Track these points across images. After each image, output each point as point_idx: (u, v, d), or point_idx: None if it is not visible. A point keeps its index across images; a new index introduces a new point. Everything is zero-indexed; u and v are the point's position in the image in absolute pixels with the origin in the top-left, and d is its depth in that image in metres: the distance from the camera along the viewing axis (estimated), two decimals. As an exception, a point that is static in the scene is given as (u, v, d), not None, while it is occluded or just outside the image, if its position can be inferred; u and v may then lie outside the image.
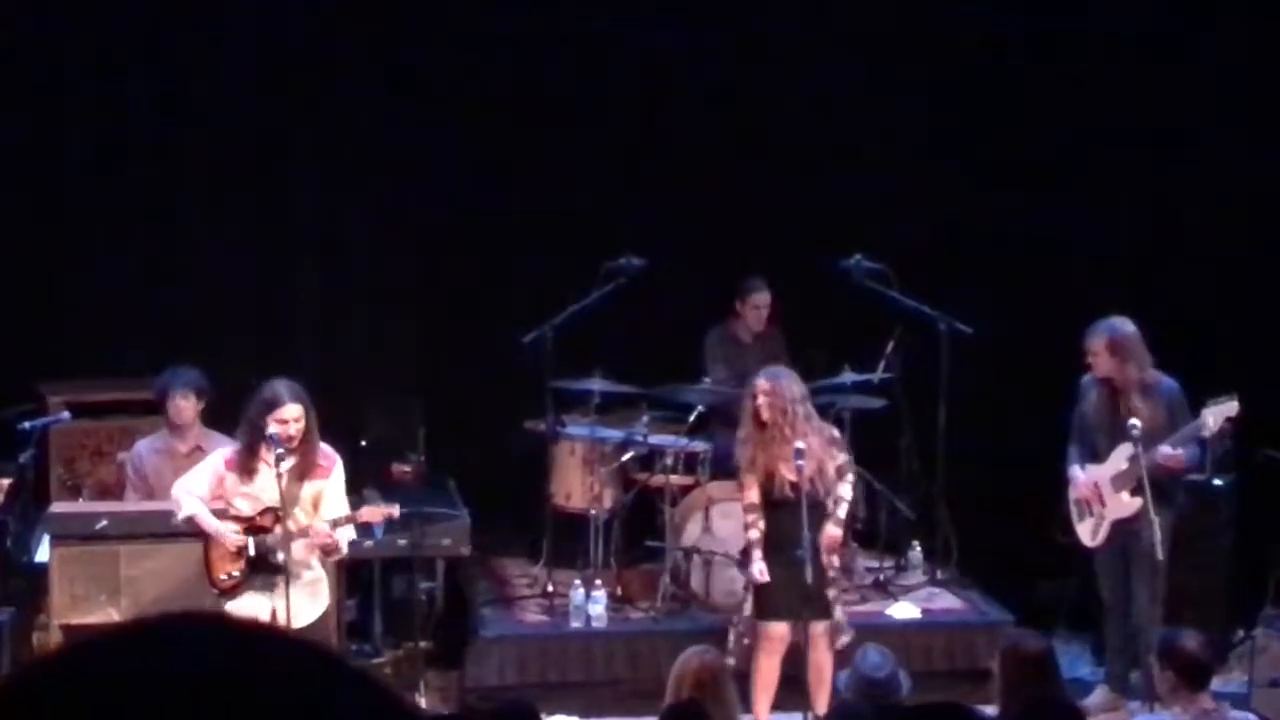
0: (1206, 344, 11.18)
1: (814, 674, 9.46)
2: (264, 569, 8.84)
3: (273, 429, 8.60)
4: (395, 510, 9.21)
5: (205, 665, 1.18)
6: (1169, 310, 10.36)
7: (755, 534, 9.49)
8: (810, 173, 12.26)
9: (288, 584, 8.71)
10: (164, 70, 11.98)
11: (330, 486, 8.89)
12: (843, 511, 9.57)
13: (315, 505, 8.82)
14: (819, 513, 9.35)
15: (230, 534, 8.81)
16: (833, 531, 9.47)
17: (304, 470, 8.80)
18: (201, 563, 8.98)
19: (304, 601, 8.83)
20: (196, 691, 1.15)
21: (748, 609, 9.57)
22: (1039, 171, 12.22)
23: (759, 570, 9.41)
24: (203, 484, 8.88)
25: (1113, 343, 9.79)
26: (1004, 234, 12.18)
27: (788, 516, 9.26)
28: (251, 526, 8.82)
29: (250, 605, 8.79)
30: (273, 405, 8.66)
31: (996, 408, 11.84)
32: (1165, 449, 9.61)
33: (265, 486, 8.75)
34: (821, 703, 9.40)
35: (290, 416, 8.66)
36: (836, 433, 9.88)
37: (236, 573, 8.88)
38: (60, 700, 1.15)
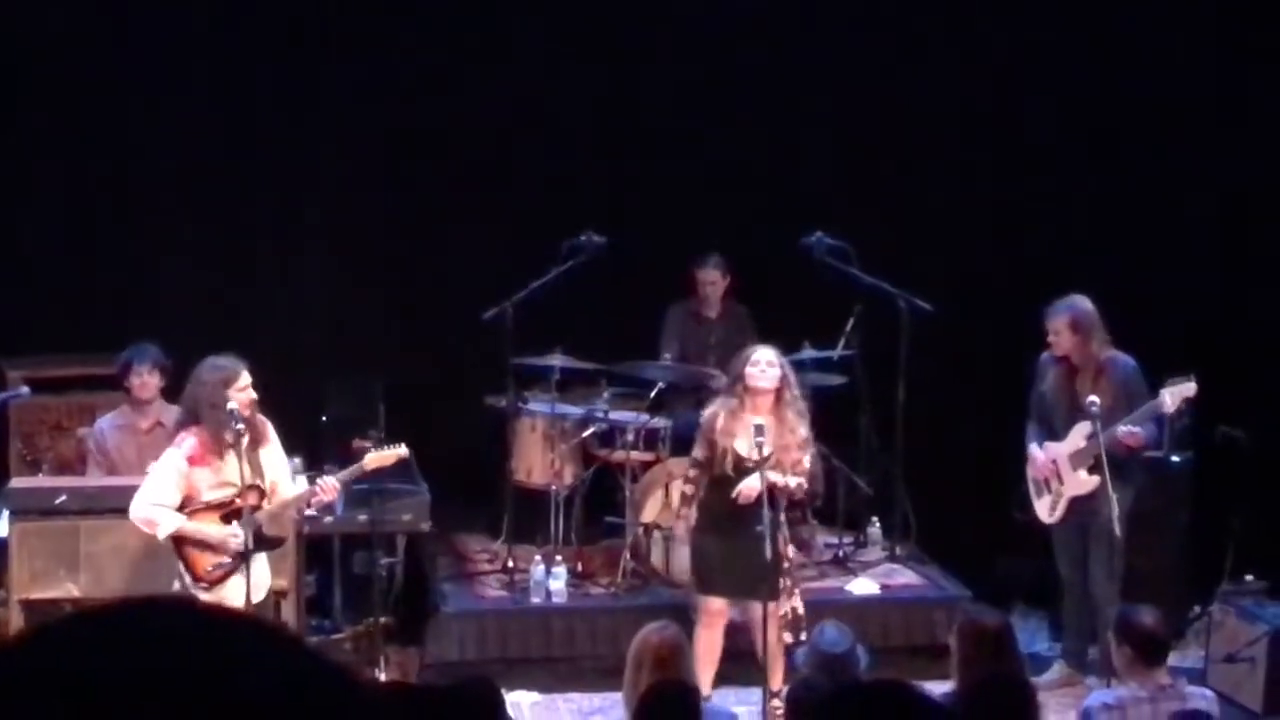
0: (1162, 322, 11.23)
1: (768, 652, 9.46)
2: (257, 548, 8.75)
3: (234, 403, 8.56)
4: (404, 450, 9.14)
5: (171, 655, 1.18)
6: (1125, 289, 10.39)
7: (690, 489, 9.52)
8: (773, 149, 12.27)
9: (248, 552, 8.66)
10: (129, 48, 11.92)
11: (273, 453, 8.80)
12: (793, 481, 9.53)
13: (265, 471, 8.72)
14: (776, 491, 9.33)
15: (228, 535, 8.63)
16: (752, 486, 9.22)
17: (257, 438, 8.75)
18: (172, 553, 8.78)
19: (264, 572, 8.79)
20: (162, 682, 1.15)
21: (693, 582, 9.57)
22: (1004, 146, 12.24)
23: (684, 525, 9.51)
24: (171, 492, 8.63)
25: (1074, 321, 9.84)
26: (964, 212, 12.22)
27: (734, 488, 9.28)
28: (232, 511, 8.70)
29: (236, 587, 8.68)
30: (230, 380, 8.59)
31: (956, 385, 11.88)
32: (1124, 427, 9.66)
33: (234, 467, 8.66)
34: (777, 679, 9.43)
35: (248, 383, 8.60)
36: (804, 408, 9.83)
37: (228, 560, 8.67)
38: (24, 694, 1.14)
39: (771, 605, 9.34)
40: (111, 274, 11.99)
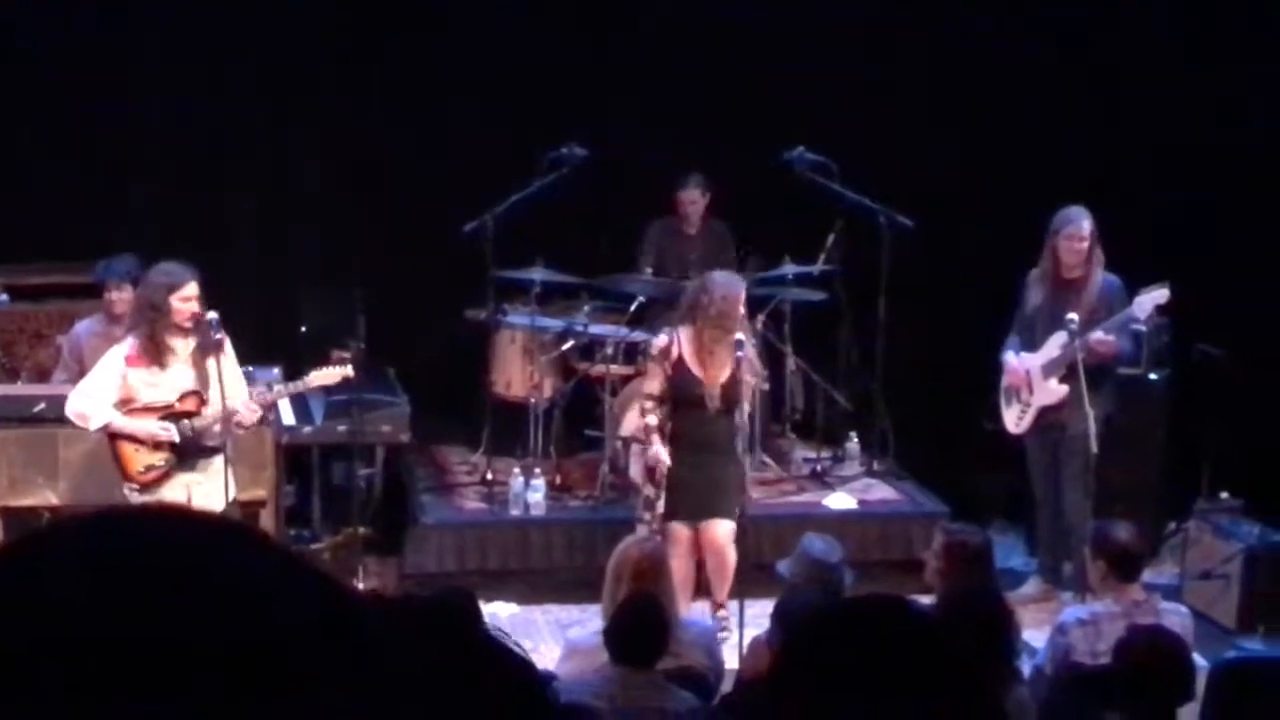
0: (1140, 240, 11.22)
1: (714, 572, 9.52)
2: (189, 454, 8.76)
3: (177, 309, 8.52)
4: (349, 370, 9.14)
5: (148, 558, 1.18)
6: (1103, 207, 10.37)
7: (654, 420, 9.44)
8: (756, 62, 12.23)
9: (227, 464, 8.68)
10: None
11: (228, 362, 8.75)
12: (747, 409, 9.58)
13: (220, 380, 8.68)
14: (729, 413, 9.36)
15: (159, 430, 8.65)
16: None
17: (206, 348, 8.72)
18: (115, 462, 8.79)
19: (218, 486, 8.77)
20: (139, 585, 1.16)
21: (660, 507, 9.51)
22: (983, 63, 12.21)
23: (661, 451, 9.40)
24: (108, 389, 8.64)
25: (1094, 229, 9.84)
26: (945, 128, 12.19)
27: (701, 419, 9.30)
28: (171, 414, 8.69)
29: (171, 494, 8.70)
30: (174, 287, 8.53)
31: (936, 302, 11.89)
32: (1097, 334, 9.67)
33: (176, 372, 8.65)
34: (722, 594, 9.48)
35: (194, 294, 8.57)
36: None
37: (160, 463, 8.69)
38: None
39: (730, 526, 9.39)
40: (93, 183, 11.94)
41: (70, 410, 8.72)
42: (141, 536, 1.20)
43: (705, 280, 9.48)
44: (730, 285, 9.38)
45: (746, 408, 9.54)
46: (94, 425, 8.68)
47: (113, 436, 8.71)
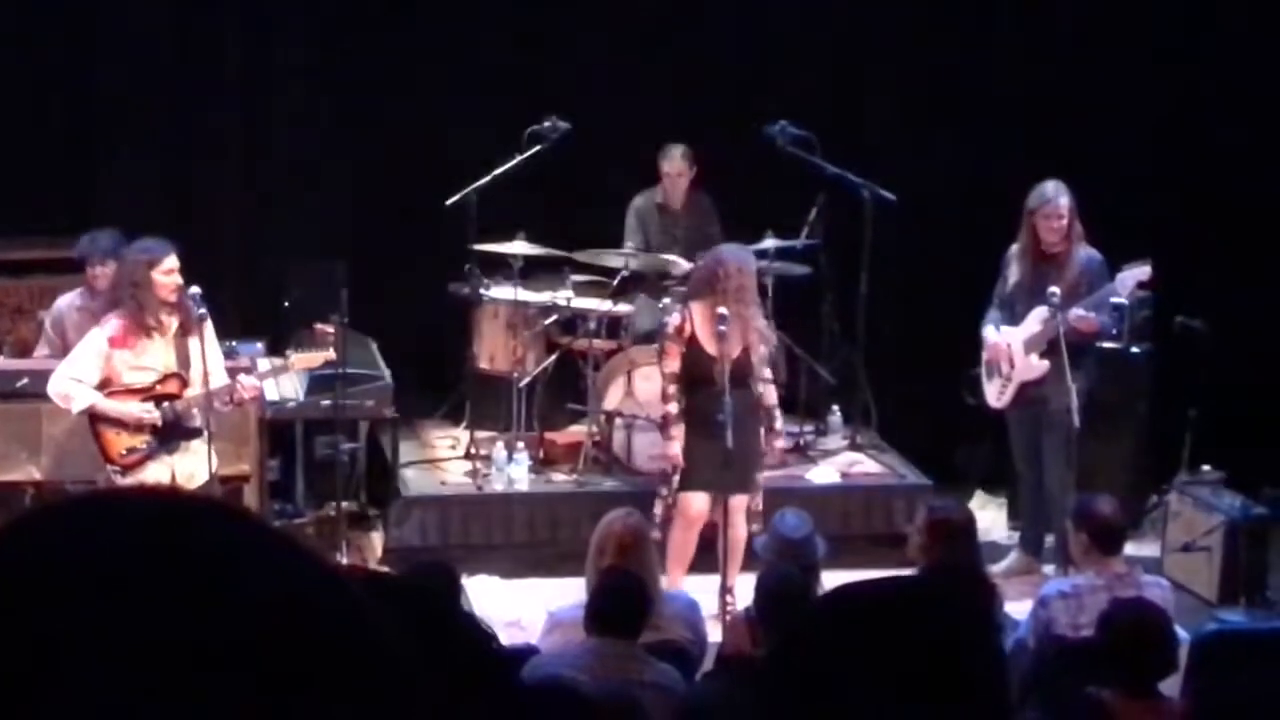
0: (1127, 211, 11.23)
1: (730, 548, 9.52)
2: (171, 437, 8.75)
3: (160, 283, 8.50)
4: (331, 353, 9.13)
5: (131, 538, 1.19)
6: (1086, 179, 10.37)
7: (675, 407, 9.51)
8: (738, 35, 12.22)
9: (210, 443, 8.68)
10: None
11: (209, 344, 8.75)
12: (775, 407, 9.71)
13: (202, 361, 8.67)
14: (744, 386, 9.38)
15: (142, 413, 8.65)
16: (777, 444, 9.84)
17: (187, 326, 8.70)
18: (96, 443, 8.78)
19: (200, 462, 8.77)
20: (124, 561, 1.16)
21: (675, 481, 9.57)
22: (969, 35, 12.21)
23: (677, 449, 9.45)
24: (91, 370, 8.63)
25: (1073, 204, 9.84)
26: (928, 101, 12.19)
27: (715, 394, 9.29)
28: (152, 396, 8.68)
29: (154, 476, 8.69)
30: (154, 262, 8.52)
31: (918, 275, 11.90)
32: (1078, 311, 9.68)
33: (158, 352, 8.64)
34: (733, 575, 9.49)
35: (174, 267, 8.55)
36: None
37: (142, 445, 8.70)
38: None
39: (744, 497, 9.42)
40: (75, 157, 11.91)
41: (52, 391, 8.71)
42: (127, 519, 1.21)
43: (717, 255, 9.53)
44: (744, 259, 9.48)
45: (768, 374, 9.58)
46: (76, 407, 8.68)
47: (94, 419, 8.69)
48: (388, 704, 1.19)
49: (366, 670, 1.19)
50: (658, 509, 9.50)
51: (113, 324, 8.65)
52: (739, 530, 9.44)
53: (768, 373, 9.63)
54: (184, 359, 8.62)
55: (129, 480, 8.61)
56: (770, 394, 9.64)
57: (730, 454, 9.05)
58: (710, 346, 9.33)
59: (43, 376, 9.49)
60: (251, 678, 1.13)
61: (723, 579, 9.44)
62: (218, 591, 1.16)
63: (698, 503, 9.50)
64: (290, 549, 1.23)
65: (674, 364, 9.50)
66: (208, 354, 8.63)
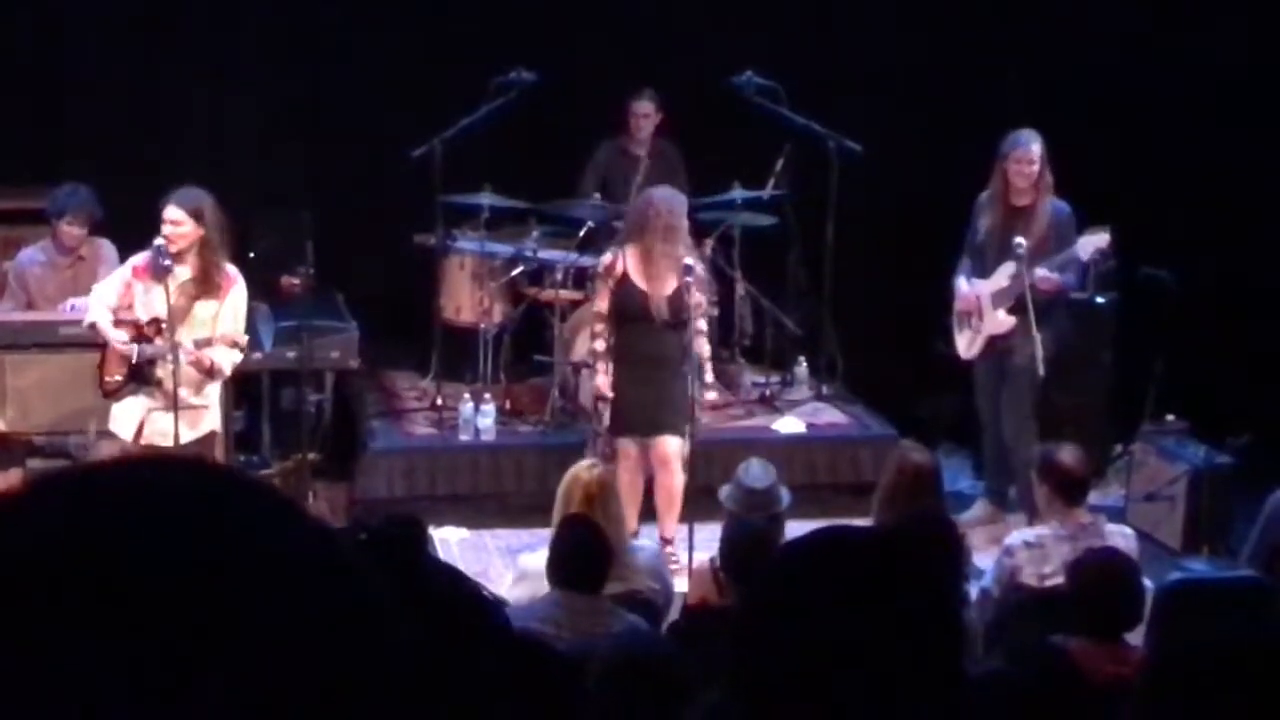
0: (1088, 163, 11.24)
1: (662, 496, 9.56)
2: (141, 379, 8.84)
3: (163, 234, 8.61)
4: (242, 338, 9.07)
5: (106, 487, 1.19)
6: (1051, 130, 10.38)
7: (602, 345, 9.55)
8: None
9: (176, 399, 8.68)
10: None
11: (225, 309, 8.82)
12: (707, 360, 9.74)
13: (212, 325, 8.79)
14: (679, 328, 9.42)
15: (119, 341, 8.77)
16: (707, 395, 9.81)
17: (200, 288, 8.74)
18: (94, 369, 8.95)
19: (181, 425, 8.77)
20: (101, 513, 1.16)
21: (605, 422, 9.61)
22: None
23: (605, 384, 9.49)
24: (111, 293, 8.86)
25: (1044, 155, 9.85)
26: (896, 52, 12.18)
27: (648, 332, 9.34)
28: (139, 335, 8.78)
29: (125, 410, 8.89)
30: (164, 207, 8.65)
31: (884, 226, 11.90)
32: (1041, 271, 9.71)
33: (160, 296, 8.70)
34: (669, 526, 9.51)
35: (168, 218, 8.61)
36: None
37: (120, 376, 8.89)
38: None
39: (676, 441, 9.43)
40: (39, 106, 11.84)
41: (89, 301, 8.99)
42: (123, 487, 1.21)
43: (648, 196, 9.61)
44: (673, 199, 9.52)
45: (702, 325, 9.59)
46: (86, 320, 8.90)
47: (104, 344, 8.91)
48: (387, 660, 1.19)
49: (364, 628, 1.19)
50: (599, 446, 9.53)
51: (142, 255, 8.84)
52: (674, 478, 9.45)
53: (703, 324, 9.63)
54: (180, 312, 8.69)
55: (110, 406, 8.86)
56: (703, 345, 9.63)
57: (672, 402, 9.16)
58: (644, 284, 9.35)
59: (6, 329, 9.49)
60: (250, 642, 1.13)
61: (661, 529, 9.49)
62: (211, 550, 1.16)
63: (629, 446, 9.53)
64: (277, 504, 1.23)
65: (603, 304, 9.54)
66: (224, 319, 8.79)
